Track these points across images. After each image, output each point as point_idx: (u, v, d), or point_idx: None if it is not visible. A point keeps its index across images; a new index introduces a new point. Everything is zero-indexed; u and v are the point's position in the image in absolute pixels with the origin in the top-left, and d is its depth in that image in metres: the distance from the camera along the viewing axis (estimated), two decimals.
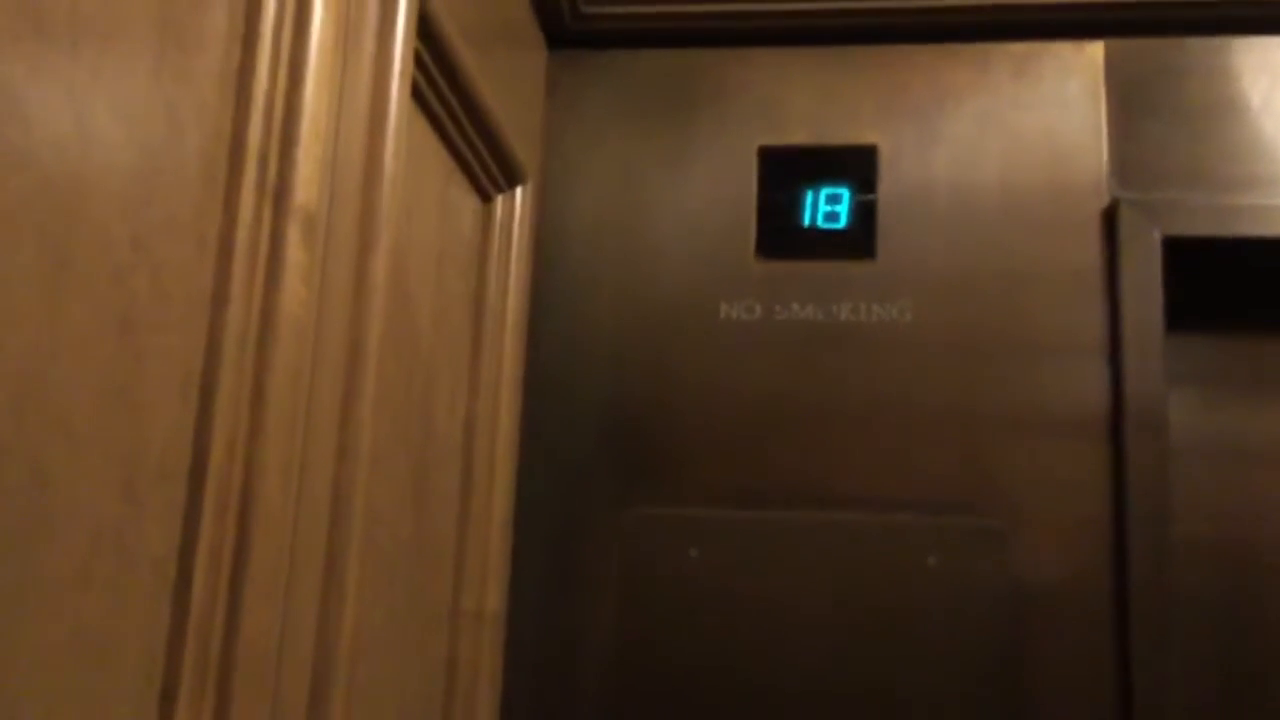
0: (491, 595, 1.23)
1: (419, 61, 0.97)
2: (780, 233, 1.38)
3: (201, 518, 0.64)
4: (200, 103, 0.67)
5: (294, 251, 0.72)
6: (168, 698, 0.63)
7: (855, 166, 1.38)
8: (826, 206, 1.38)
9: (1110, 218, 1.31)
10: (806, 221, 1.38)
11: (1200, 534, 1.38)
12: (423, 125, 1.06)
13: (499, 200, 1.28)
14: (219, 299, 0.67)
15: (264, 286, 0.70)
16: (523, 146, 1.30)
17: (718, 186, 1.40)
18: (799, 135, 1.41)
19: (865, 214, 1.36)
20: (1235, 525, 1.40)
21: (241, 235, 0.68)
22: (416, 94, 1.00)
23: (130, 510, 0.60)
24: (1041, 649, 1.24)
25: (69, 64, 0.55)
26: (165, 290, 0.63)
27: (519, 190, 1.30)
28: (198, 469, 0.65)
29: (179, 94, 0.64)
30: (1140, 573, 1.22)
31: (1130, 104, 1.35)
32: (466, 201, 1.21)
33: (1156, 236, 1.28)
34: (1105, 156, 1.34)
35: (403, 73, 0.89)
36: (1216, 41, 1.36)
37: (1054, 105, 1.36)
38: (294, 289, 0.71)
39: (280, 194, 0.71)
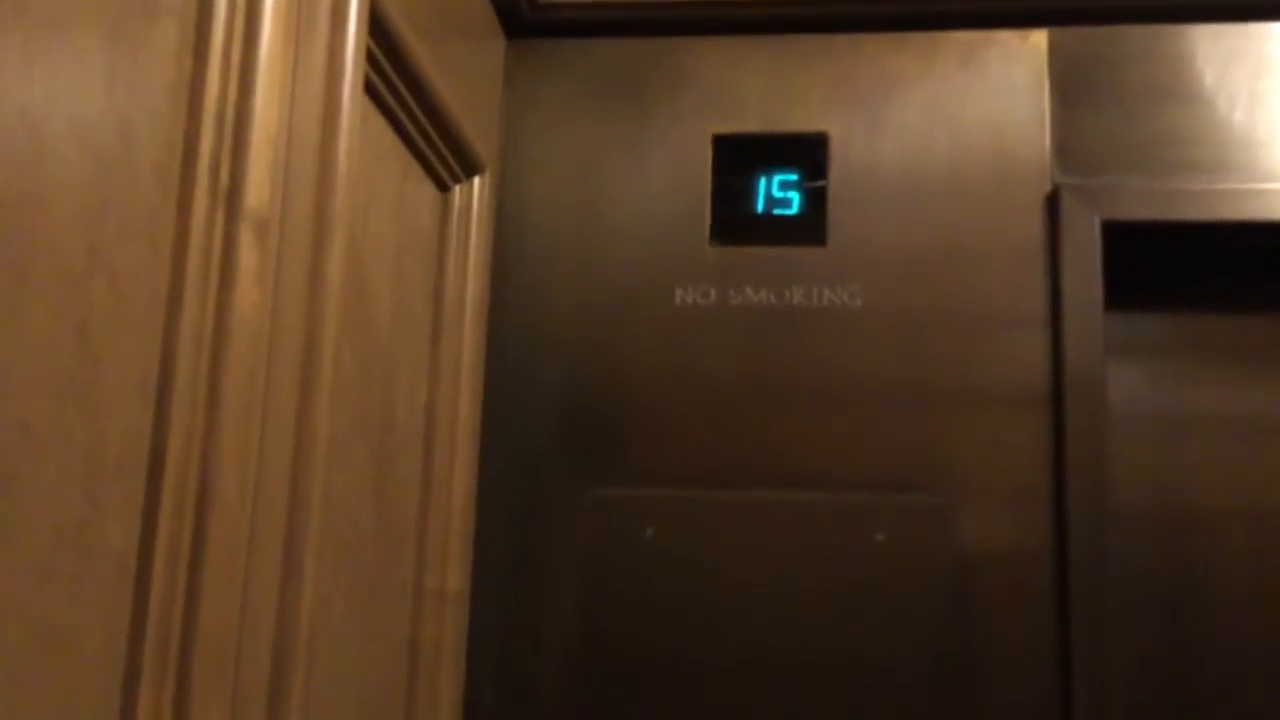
0: (453, 576, 1.26)
1: (371, 57, 0.99)
2: (734, 219, 1.41)
3: (160, 513, 0.67)
4: (153, 113, 0.69)
5: (246, 254, 0.74)
6: (130, 687, 0.66)
7: (806, 154, 1.41)
8: (779, 193, 1.41)
9: (1052, 203, 1.34)
10: (760, 208, 1.41)
11: (1139, 503, 1.43)
12: (378, 120, 1.08)
13: (457, 190, 1.30)
14: (173, 302, 0.70)
15: (217, 289, 0.72)
16: (480, 136, 1.32)
17: (673, 173, 1.43)
18: (752, 123, 1.43)
19: (816, 200, 1.40)
20: (1173, 494, 1.45)
21: (195, 240, 0.71)
22: (370, 89, 1.02)
23: (90, 508, 0.63)
24: (986, 620, 1.28)
25: (23, 84, 0.57)
26: (122, 295, 0.66)
27: (477, 180, 1.33)
28: (155, 467, 0.68)
29: (132, 106, 0.67)
30: (1080, 543, 1.26)
31: (1073, 91, 1.39)
32: (424, 192, 1.24)
33: (1096, 221, 1.32)
34: (1048, 143, 1.37)
35: (355, 70, 0.92)
36: (1158, 29, 1.40)
37: (999, 93, 1.39)
38: (247, 291, 0.74)
39: (232, 199, 0.74)
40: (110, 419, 0.65)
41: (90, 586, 0.63)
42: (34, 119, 0.58)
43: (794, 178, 1.41)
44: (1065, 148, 1.37)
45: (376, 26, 0.98)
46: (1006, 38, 1.41)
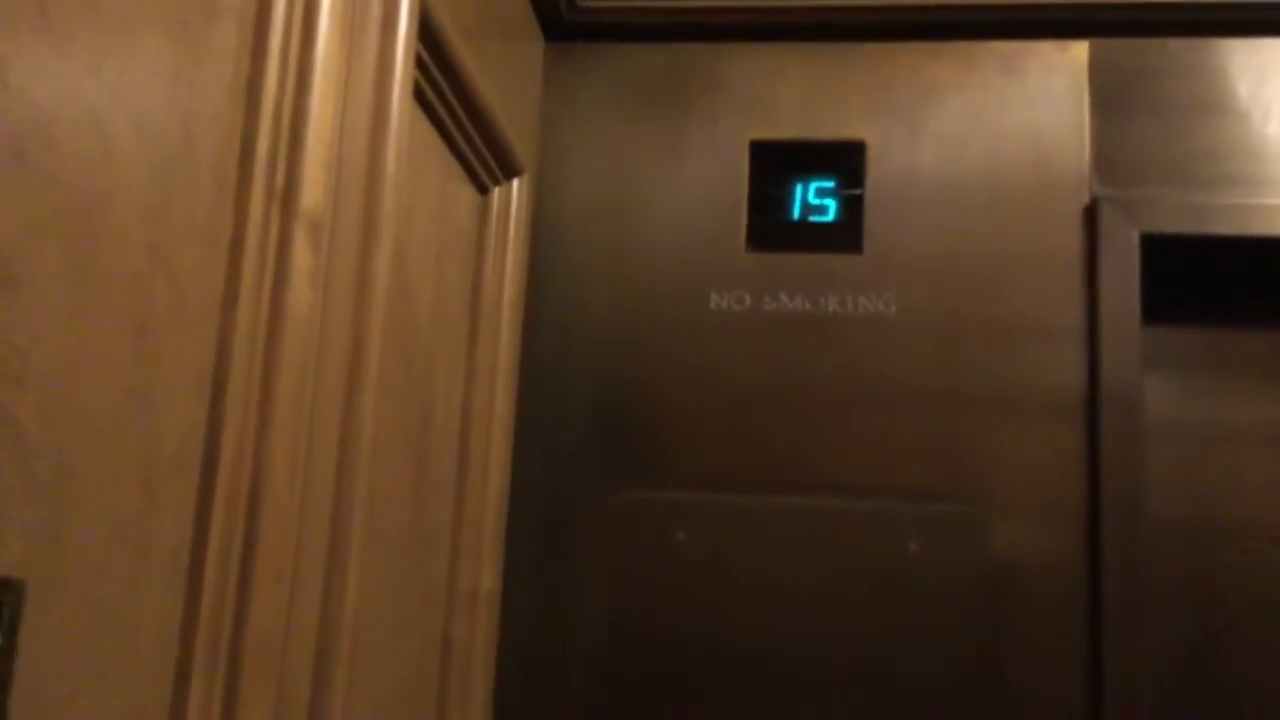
0: (486, 576, 1.27)
1: (419, 62, 1.00)
2: (770, 225, 1.41)
3: (213, 509, 0.68)
4: (213, 113, 0.70)
5: (301, 254, 0.75)
6: (182, 678, 0.67)
7: (844, 161, 1.41)
8: (815, 200, 1.41)
9: (1091, 215, 1.34)
10: (796, 215, 1.41)
11: (1173, 516, 1.42)
12: (424, 124, 1.09)
13: (496, 192, 1.31)
14: (230, 301, 0.71)
15: (272, 288, 0.73)
16: (519, 139, 1.33)
17: (709, 179, 1.44)
18: (789, 129, 1.44)
19: (853, 208, 1.40)
20: (1206, 507, 1.44)
21: (251, 239, 0.72)
22: (418, 94, 1.03)
23: (147, 503, 0.64)
24: (1018, 631, 1.28)
25: (91, 85, 0.58)
26: (180, 293, 0.67)
27: (515, 182, 1.34)
28: (209, 463, 0.69)
29: (193, 105, 0.68)
30: (1113, 554, 1.26)
31: (1113, 103, 1.38)
32: (465, 194, 1.25)
33: (1135, 234, 1.32)
34: (1087, 154, 1.37)
35: (404, 75, 0.93)
36: (1199, 42, 1.40)
37: (1038, 103, 1.39)
38: (301, 290, 0.75)
39: (288, 198, 0.75)
40: (167, 415, 0.66)
41: (146, 578, 0.64)
42: (100, 118, 0.59)
43: (831, 185, 1.41)
44: (1104, 160, 1.37)
45: (425, 29, 0.99)
46: (1046, 49, 1.41)
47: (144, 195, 0.63)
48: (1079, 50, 1.40)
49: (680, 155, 1.45)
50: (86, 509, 0.59)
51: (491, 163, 1.27)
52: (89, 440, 0.59)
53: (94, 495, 0.59)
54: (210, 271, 0.70)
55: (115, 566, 0.61)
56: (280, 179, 0.74)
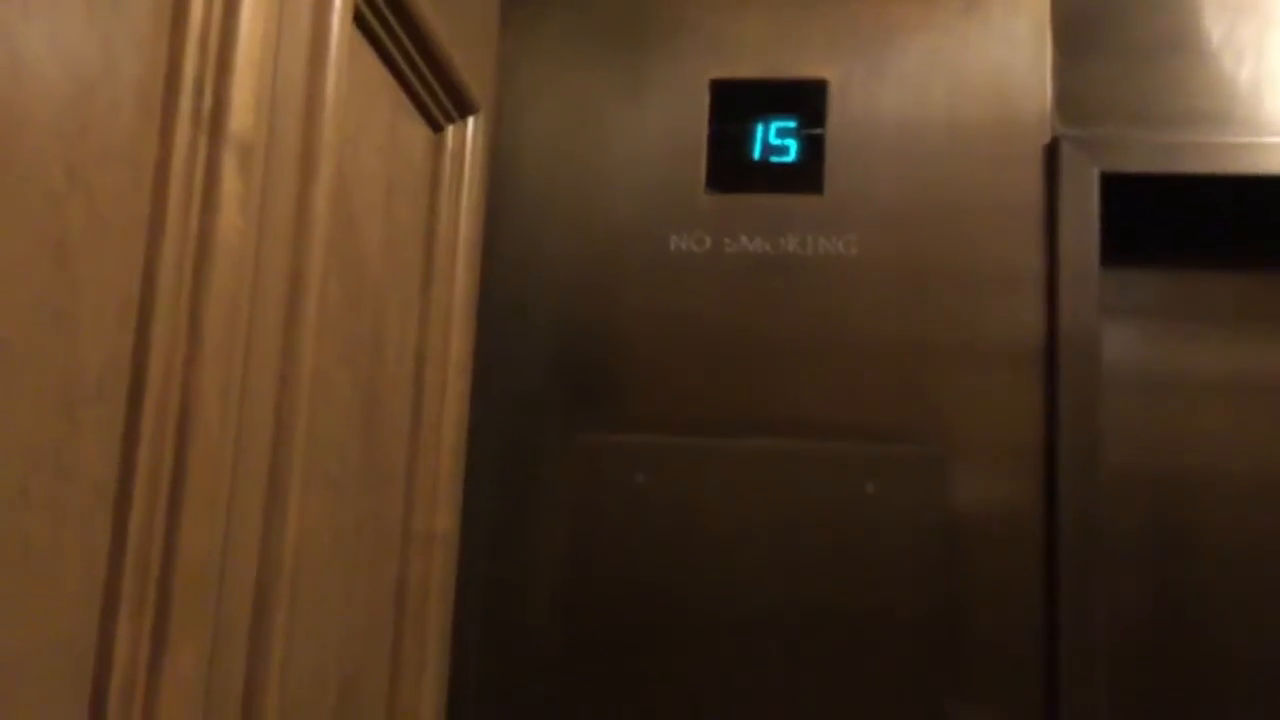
0: (442, 517, 1.26)
1: None
2: (730, 165, 1.40)
3: (140, 438, 0.67)
4: (135, 34, 0.68)
5: (230, 180, 0.73)
6: (110, 610, 0.65)
7: (805, 100, 1.40)
8: (776, 140, 1.39)
9: (1051, 154, 1.33)
10: (756, 155, 1.40)
11: (1130, 461, 1.43)
12: (369, 55, 1.07)
13: (450, 130, 1.29)
14: (155, 226, 0.69)
15: (200, 215, 0.71)
16: (474, 76, 1.30)
17: (669, 118, 1.42)
18: (750, 68, 1.42)
19: (814, 148, 1.38)
20: (1166, 456, 1.44)
21: (177, 164, 0.70)
22: (362, 23, 1.01)
23: (69, 429, 0.62)
24: (973, 573, 1.28)
25: (2, 2, 0.56)
26: (101, 217, 0.65)
27: (470, 120, 1.31)
28: (135, 391, 0.67)
29: (114, 26, 0.65)
30: (1070, 498, 1.26)
31: (1075, 41, 1.37)
32: (416, 131, 1.22)
33: (1095, 173, 1.31)
34: (1049, 94, 1.36)
35: (344, 1, 0.90)
36: None
37: (1000, 43, 1.37)
38: (230, 217, 0.73)
39: (216, 123, 0.73)
40: (90, 340, 0.64)
41: (68, 506, 0.62)
42: (12, 35, 0.57)
43: (792, 125, 1.39)
44: (1066, 99, 1.36)
45: None
46: None
47: (60, 115, 0.61)
48: None
49: (640, 94, 1.43)
50: (1, 434, 0.57)
51: (444, 99, 1.25)
52: (3, 361, 0.57)
53: (8, 419, 0.58)
54: (134, 195, 0.68)
55: (35, 492, 0.60)
56: (208, 102, 0.72)
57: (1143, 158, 1.32)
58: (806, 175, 1.38)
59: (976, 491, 1.29)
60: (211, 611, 0.74)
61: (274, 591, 0.83)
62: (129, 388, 0.67)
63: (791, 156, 1.39)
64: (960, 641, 1.27)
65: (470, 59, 1.29)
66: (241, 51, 0.74)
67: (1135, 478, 1.44)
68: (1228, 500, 1.44)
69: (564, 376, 1.38)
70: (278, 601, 0.83)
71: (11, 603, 0.58)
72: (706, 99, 1.42)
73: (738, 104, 1.41)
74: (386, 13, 1.05)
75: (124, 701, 0.66)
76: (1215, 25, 1.36)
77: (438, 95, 1.23)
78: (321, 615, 1.00)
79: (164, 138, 0.70)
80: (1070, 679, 1.23)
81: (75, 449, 0.63)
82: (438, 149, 1.27)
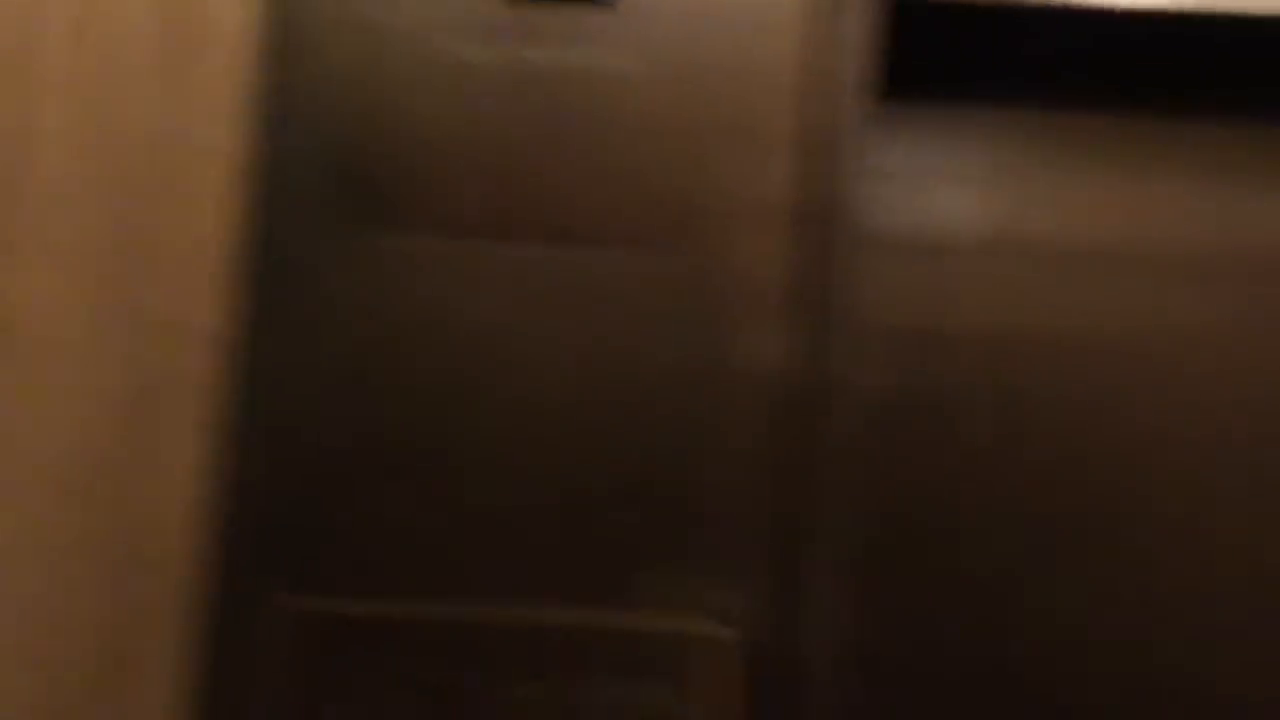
0: (209, 312, 1.23)
1: None
2: None
3: None
4: None
5: None
6: None
7: None
8: None
9: None
10: None
11: (892, 321, 1.45)
12: None
13: None
14: None
15: None
16: None
17: None
18: None
19: None
20: (928, 314, 1.48)
21: None
22: None
23: None
24: (726, 416, 1.32)
25: None
26: None
27: None
28: None
29: None
30: (838, 356, 1.29)
31: None
32: None
33: None
34: None
35: None
36: None
37: None
38: None
39: None
40: None
41: None
42: None
43: None
44: None
45: None
46: None
47: None
48: None
49: None
50: None
51: None
52: None
53: None
54: None
55: None
56: None
57: None
58: None
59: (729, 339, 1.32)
60: None
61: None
62: None
63: None
64: (702, 470, 1.31)
65: None
66: None
67: (892, 335, 1.45)
68: (985, 364, 1.47)
69: (346, 181, 1.35)
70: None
71: None
72: None
73: None
74: None
75: None
76: None
77: None
78: (59, 396, 0.97)
79: None
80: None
81: None
82: None
